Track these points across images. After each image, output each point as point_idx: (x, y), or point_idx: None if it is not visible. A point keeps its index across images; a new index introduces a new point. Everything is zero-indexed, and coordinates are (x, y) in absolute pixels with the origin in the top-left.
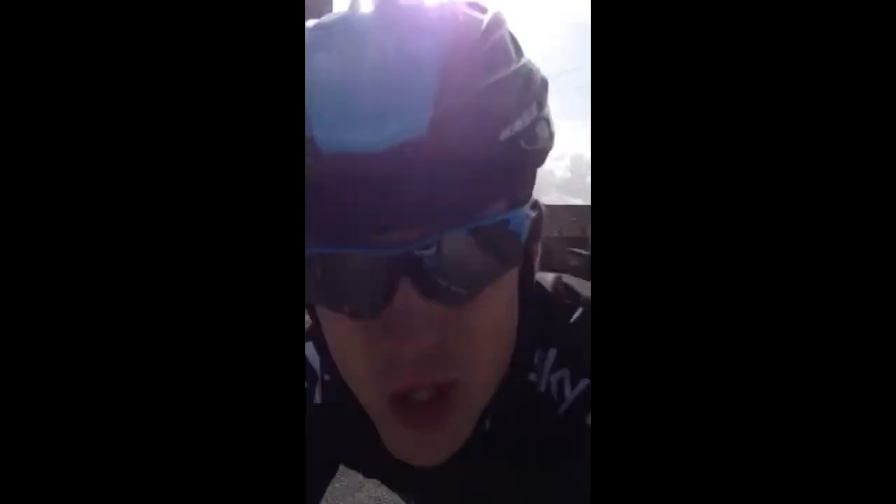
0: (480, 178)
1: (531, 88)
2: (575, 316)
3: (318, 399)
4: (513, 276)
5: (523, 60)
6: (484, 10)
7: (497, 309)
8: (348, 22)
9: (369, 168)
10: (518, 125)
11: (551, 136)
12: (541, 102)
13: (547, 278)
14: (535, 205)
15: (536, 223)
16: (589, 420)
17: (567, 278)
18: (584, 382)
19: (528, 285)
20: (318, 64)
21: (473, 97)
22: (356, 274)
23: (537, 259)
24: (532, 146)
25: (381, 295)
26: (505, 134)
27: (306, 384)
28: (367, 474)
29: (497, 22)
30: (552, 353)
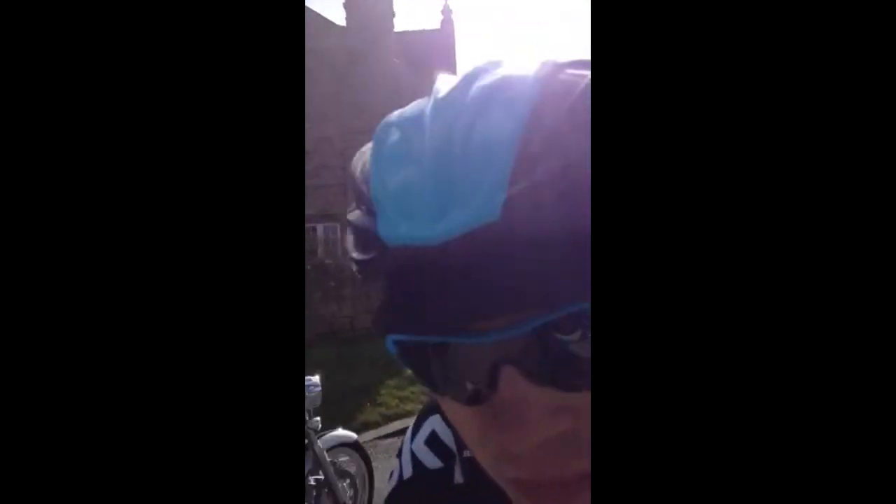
0: (569, 259)
1: None
2: None
3: (458, 478)
4: None
5: None
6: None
7: None
8: (421, 111)
9: (436, 260)
10: None
11: None
12: None
13: None
14: None
15: None
16: None
17: None
18: None
19: None
20: (387, 158)
21: (558, 168)
22: (455, 361)
23: None
24: None
25: (484, 383)
26: None
27: (441, 463)
28: None
29: None
30: None
